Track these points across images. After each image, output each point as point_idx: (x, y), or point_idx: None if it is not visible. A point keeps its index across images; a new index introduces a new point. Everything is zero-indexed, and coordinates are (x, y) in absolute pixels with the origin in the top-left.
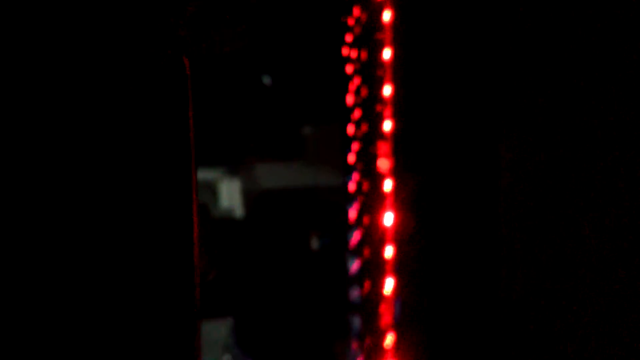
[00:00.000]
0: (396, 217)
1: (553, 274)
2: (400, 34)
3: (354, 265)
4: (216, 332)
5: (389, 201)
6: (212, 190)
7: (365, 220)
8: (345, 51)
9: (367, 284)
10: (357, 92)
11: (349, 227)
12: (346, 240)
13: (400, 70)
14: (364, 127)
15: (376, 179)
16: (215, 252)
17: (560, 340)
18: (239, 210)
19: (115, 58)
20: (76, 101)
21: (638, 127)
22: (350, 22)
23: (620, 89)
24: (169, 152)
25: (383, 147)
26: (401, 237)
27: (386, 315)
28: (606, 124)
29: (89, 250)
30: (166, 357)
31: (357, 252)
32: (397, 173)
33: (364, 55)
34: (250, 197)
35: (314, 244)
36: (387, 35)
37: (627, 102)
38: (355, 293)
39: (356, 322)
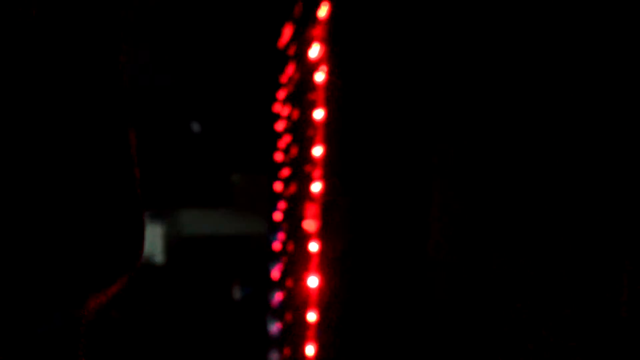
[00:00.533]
0: (321, 280)
1: (477, 327)
2: (333, 95)
3: (275, 327)
4: None
5: (313, 263)
6: None
7: (289, 282)
8: (276, 108)
9: (287, 349)
10: (287, 150)
11: (272, 286)
12: (268, 294)
13: (331, 130)
14: (292, 187)
15: (302, 240)
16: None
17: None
18: (159, 256)
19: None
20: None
21: (562, 136)
22: (283, 79)
23: (544, 100)
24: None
25: (310, 208)
26: (325, 301)
27: None
28: (535, 129)
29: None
30: None
31: (278, 314)
32: (323, 235)
33: (295, 114)
34: (172, 242)
35: (236, 293)
36: (320, 95)
37: (552, 112)
38: (274, 356)
39: None
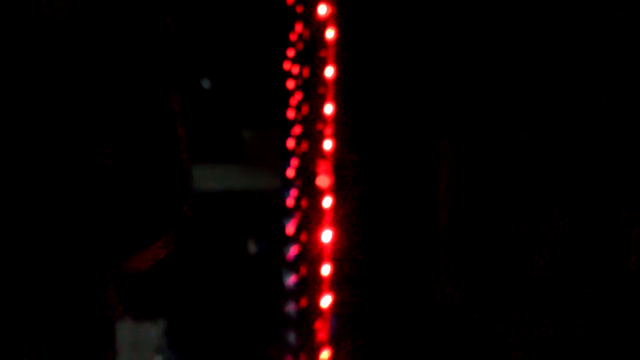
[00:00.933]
0: (334, 234)
1: (488, 288)
2: (343, 52)
3: (290, 280)
4: (148, 334)
5: (327, 218)
6: None
7: (303, 236)
8: (287, 66)
9: (303, 300)
10: (298, 108)
11: (287, 240)
12: (283, 248)
13: (342, 88)
14: (304, 144)
15: (315, 196)
16: None
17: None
18: None
19: None
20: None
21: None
22: (293, 37)
23: (554, 99)
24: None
25: (323, 165)
26: (339, 254)
27: (322, 331)
28: (547, 127)
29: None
30: None
31: (293, 267)
32: (336, 191)
33: (306, 72)
34: None
35: (251, 248)
36: (330, 52)
37: (562, 111)
38: (290, 307)
39: (291, 336)
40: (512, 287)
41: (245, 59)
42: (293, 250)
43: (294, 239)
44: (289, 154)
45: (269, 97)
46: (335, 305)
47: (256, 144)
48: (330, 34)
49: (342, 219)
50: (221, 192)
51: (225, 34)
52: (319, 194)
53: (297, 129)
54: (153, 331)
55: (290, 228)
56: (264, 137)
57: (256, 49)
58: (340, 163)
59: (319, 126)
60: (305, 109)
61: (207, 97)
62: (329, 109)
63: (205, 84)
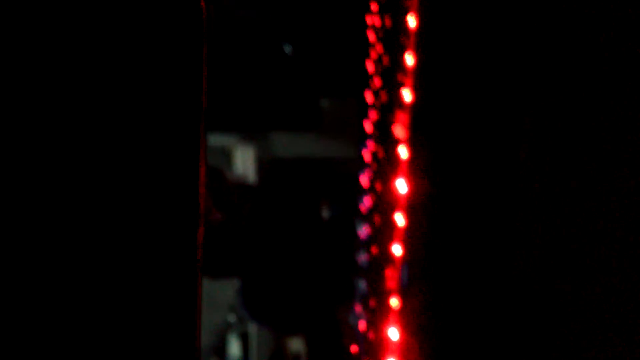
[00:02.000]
0: (409, 185)
1: (569, 257)
2: (426, 4)
3: (364, 231)
4: (222, 293)
5: (402, 168)
6: (226, 156)
7: (378, 186)
8: (369, 20)
9: (374, 249)
10: (379, 60)
11: (361, 194)
12: (357, 210)
13: (423, 40)
14: (383, 96)
15: (391, 146)
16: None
17: (565, 321)
18: (252, 177)
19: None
20: (76, 50)
21: None
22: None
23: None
24: (177, 107)
25: (401, 116)
26: (413, 205)
27: (392, 279)
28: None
29: (91, 206)
30: (163, 315)
31: (367, 218)
32: (413, 141)
33: (388, 23)
34: (264, 164)
35: (325, 213)
36: (414, 2)
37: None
38: (363, 258)
39: (362, 285)
40: (591, 261)
41: (328, 18)
42: (367, 202)
43: (369, 190)
44: (368, 107)
45: (349, 60)
46: (406, 254)
47: (334, 112)
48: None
49: (418, 169)
50: (297, 159)
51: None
52: (395, 144)
53: (376, 82)
54: (227, 290)
55: (365, 180)
56: (343, 107)
57: (338, 12)
58: (419, 113)
59: (399, 77)
60: (385, 61)
61: (288, 63)
62: (409, 59)
63: (287, 48)
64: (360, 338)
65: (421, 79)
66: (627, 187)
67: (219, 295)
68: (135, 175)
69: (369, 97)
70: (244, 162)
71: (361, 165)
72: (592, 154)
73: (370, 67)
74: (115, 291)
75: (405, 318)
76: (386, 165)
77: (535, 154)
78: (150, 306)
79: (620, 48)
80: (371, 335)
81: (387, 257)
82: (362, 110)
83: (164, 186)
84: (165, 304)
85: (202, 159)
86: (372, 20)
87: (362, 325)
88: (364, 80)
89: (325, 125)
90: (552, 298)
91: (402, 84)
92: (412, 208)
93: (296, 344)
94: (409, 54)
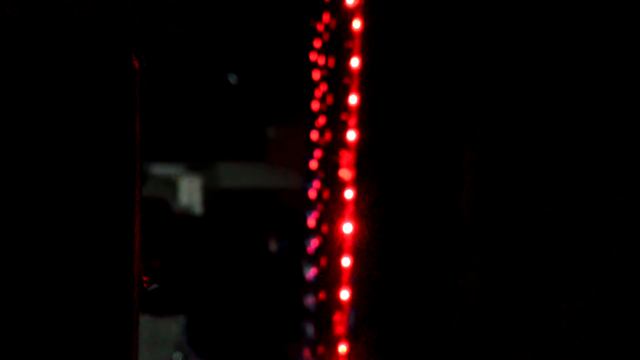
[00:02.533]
0: (355, 227)
1: (510, 286)
2: (370, 43)
3: (310, 273)
4: (168, 330)
5: (348, 210)
6: (172, 186)
7: (324, 228)
8: (313, 57)
9: (322, 293)
10: (323, 99)
11: (308, 233)
12: (304, 246)
13: (367, 79)
14: (328, 135)
15: (337, 188)
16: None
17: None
18: (198, 208)
19: (57, 54)
20: (14, 100)
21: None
22: (320, 27)
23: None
24: (111, 151)
25: (345, 156)
26: (359, 247)
27: (340, 324)
28: (570, 122)
29: (24, 248)
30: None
31: (313, 259)
32: (358, 183)
33: (331, 62)
34: (210, 195)
35: (272, 246)
36: (356, 43)
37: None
38: (309, 300)
39: (309, 329)
40: (536, 285)
41: (272, 51)
42: (314, 243)
43: (315, 231)
44: (313, 145)
45: (294, 92)
46: (354, 298)
47: (280, 142)
48: (357, 24)
49: (364, 211)
50: (245, 189)
51: (252, 27)
52: (341, 185)
53: (321, 120)
54: (173, 327)
55: (311, 220)
56: (288, 136)
57: (283, 40)
58: (363, 155)
59: (343, 116)
60: (329, 100)
61: (233, 93)
62: (353, 99)
63: (232, 79)
64: None
65: (365, 118)
66: (578, 197)
67: (164, 333)
68: (70, 219)
69: (313, 135)
70: (190, 192)
71: (307, 201)
72: (537, 175)
73: (314, 105)
74: (51, 334)
75: None
76: (332, 207)
77: (478, 196)
78: (86, 343)
79: (567, 48)
80: None
81: (335, 301)
82: (308, 143)
83: (99, 231)
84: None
85: (137, 209)
86: (317, 58)
87: None
88: (310, 113)
89: (271, 155)
90: (499, 341)
91: (346, 124)
92: (359, 250)
93: None
94: (353, 93)
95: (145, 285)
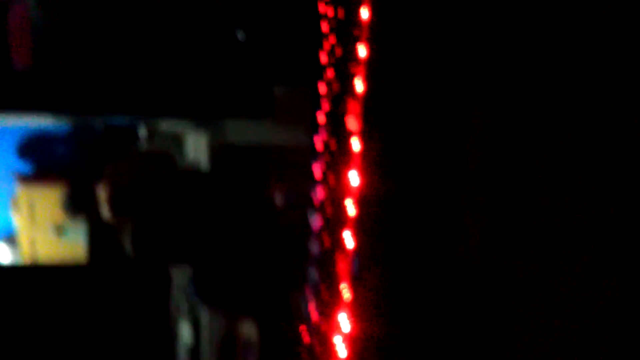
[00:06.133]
0: (361, 176)
1: (510, 244)
2: None
3: (316, 221)
4: (174, 279)
5: (355, 160)
6: (178, 141)
7: (331, 178)
8: (322, 8)
9: (327, 239)
10: (332, 51)
11: (314, 185)
12: (310, 200)
13: (376, 32)
14: (336, 87)
15: (344, 138)
16: None
17: (510, 310)
18: (204, 163)
19: None
20: None
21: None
22: None
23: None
24: None
25: (353, 107)
26: (365, 196)
27: (343, 268)
28: (576, 115)
29: None
30: None
31: (319, 208)
32: (365, 133)
33: (341, 13)
34: (216, 151)
35: (279, 201)
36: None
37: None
38: (315, 247)
39: (313, 274)
40: (536, 243)
41: (280, 6)
42: (320, 193)
43: (322, 181)
44: (321, 98)
45: (303, 48)
46: (357, 244)
47: (288, 100)
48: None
49: (370, 161)
50: (250, 145)
51: None
52: (348, 136)
53: (329, 73)
54: (179, 277)
55: (318, 170)
56: (296, 94)
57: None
58: (371, 105)
59: (352, 68)
60: (338, 52)
61: (241, 50)
62: (362, 51)
63: (240, 35)
64: (311, 325)
65: (374, 70)
66: (576, 188)
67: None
68: None
69: (321, 87)
70: (196, 148)
71: (314, 154)
72: (540, 147)
73: (323, 57)
74: None
75: (356, 307)
76: (339, 157)
77: (484, 147)
78: None
79: (565, 45)
80: (322, 323)
81: (339, 246)
82: (316, 99)
83: None
84: None
85: None
86: (325, 10)
87: (313, 312)
88: (317, 69)
89: (279, 113)
90: (497, 290)
91: (354, 75)
92: (364, 199)
93: (248, 330)
94: (361, 45)
95: None
